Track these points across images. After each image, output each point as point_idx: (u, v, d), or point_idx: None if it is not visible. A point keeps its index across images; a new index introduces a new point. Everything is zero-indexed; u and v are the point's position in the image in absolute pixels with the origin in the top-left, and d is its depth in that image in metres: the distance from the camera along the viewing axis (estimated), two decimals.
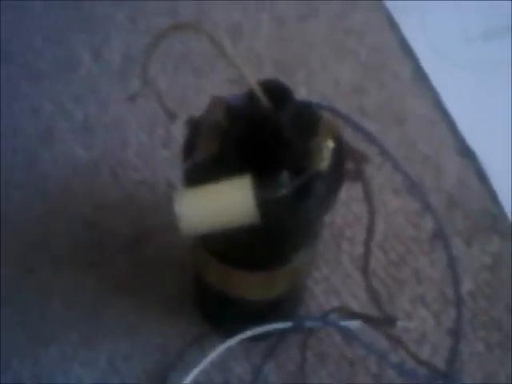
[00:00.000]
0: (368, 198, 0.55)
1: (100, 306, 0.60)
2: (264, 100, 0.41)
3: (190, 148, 0.44)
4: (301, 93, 0.69)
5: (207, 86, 0.70)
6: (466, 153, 0.68)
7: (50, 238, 0.62)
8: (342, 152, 0.46)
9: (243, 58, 0.69)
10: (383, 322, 0.54)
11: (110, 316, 0.59)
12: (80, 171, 0.65)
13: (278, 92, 0.41)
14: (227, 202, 0.40)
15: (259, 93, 0.41)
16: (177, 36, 0.71)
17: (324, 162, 0.44)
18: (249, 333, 0.52)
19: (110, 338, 0.59)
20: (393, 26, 0.74)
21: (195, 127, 0.45)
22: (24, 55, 0.71)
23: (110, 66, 0.71)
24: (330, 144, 0.44)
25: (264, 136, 0.42)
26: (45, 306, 0.60)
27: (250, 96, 0.41)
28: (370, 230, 0.54)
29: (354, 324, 0.55)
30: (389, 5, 0.75)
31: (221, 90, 0.70)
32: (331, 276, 0.62)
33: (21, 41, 0.72)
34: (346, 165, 0.47)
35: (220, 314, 0.57)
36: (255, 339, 0.54)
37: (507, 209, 0.65)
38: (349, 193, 0.61)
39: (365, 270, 0.57)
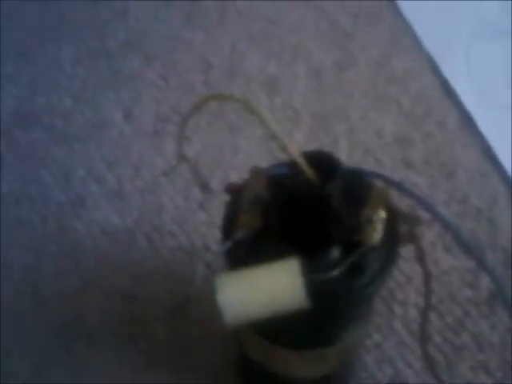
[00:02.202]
0: (421, 260, 0.51)
1: (138, 382, 0.56)
2: (310, 172, 0.38)
3: (229, 225, 0.41)
4: (342, 146, 0.66)
5: (243, 143, 0.67)
6: None
7: (86, 313, 0.59)
8: (395, 221, 0.42)
9: (280, 114, 0.68)
10: None
11: None
12: (115, 239, 0.62)
13: (324, 164, 0.38)
14: (274, 288, 0.36)
15: (305, 166, 0.37)
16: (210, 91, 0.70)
17: (377, 234, 0.40)
18: None
19: None
20: (435, 70, 0.71)
21: (234, 202, 0.42)
22: (52, 116, 0.69)
23: (142, 126, 0.68)
24: (382, 214, 0.41)
25: (311, 209, 0.39)
26: None
27: (294, 168, 0.38)
28: (427, 297, 0.50)
29: None
30: (429, 48, 0.72)
31: (258, 147, 0.68)
32: (383, 343, 0.58)
33: (47, 100, 0.70)
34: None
35: None
36: None
37: None
38: None
39: (422, 339, 0.53)
